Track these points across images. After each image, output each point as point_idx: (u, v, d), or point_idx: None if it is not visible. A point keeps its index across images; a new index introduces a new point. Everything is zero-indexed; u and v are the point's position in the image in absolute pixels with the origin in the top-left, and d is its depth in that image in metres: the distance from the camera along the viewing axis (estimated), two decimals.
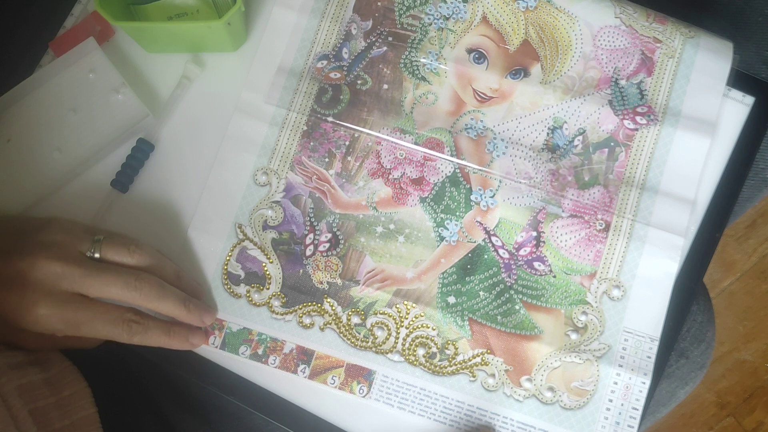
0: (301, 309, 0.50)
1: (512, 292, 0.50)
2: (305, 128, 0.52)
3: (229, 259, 0.50)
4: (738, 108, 0.54)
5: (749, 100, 0.54)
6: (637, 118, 0.52)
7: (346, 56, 0.53)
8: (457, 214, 0.51)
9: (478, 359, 0.50)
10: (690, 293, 0.52)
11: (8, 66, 0.53)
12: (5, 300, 0.43)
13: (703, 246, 0.53)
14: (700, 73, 0.52)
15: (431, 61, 0.53)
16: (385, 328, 0.50)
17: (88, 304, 0.44)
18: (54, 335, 0.44)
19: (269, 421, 0.49)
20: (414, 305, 0.50)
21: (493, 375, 0.49)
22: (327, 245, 0.51)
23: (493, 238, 0.51)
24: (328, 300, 0.50)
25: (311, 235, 0.51)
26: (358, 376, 0.49)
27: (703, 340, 0.62)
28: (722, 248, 1.18)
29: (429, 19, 0.53)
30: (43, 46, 0.53)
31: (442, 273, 0.51)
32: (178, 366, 0.50)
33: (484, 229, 0.51)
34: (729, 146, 0.54)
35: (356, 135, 0.52)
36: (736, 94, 0.54)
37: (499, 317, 0.50)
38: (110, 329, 0.44)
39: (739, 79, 0.54)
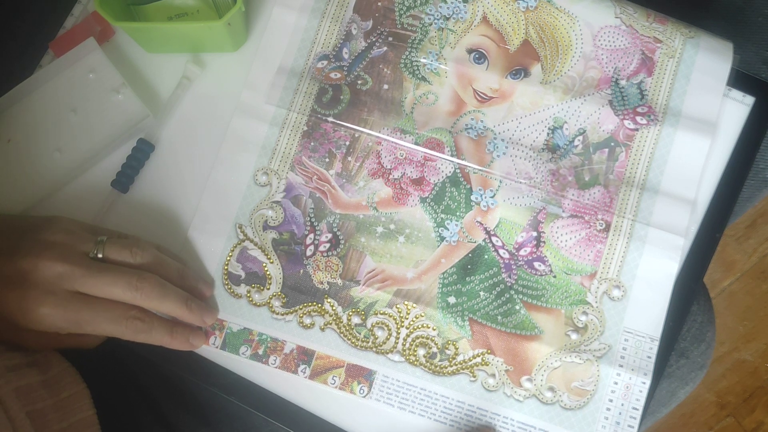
0: (301, 309, 0.50)
1: (512, 292, 0.50)
2: (305, 128, 0.52)
3: (229, 260, 0.50)
4: (738, 108, 0.54)
5: (749, 100, 0.54)
6: (638, 118, 0.52)
7: (346, 56, 0.53)
8: (458, 214, 0.51)
9: (479, 359, 0.50)
10: (690, 293, 0.52)
11: (8, 66, 0.53)
12: (7, 299, 0.43)
13: (703, 246, 0.53)
14: (700, 73, 0.52)
15: (431, 61, 0.53)
16: (386, 328, 0.50)
17: (91, 303, 0.44)
18: (55, 334, 0.44)
19: (269, 421, 0.49)
20: (414, 305, 0.50)
21: (493, 375, 0.49)
22: (327, 245, 0.51)
23: (494, 238, 0.51)
24: (329, 300, 0.50)
25: (311, 236, 0.51)
26: (359, 376, 0.49)
27: (703, 340, 0.62)
28: (722, 248, 1.18)
29: (429, 19, 0.53)
30: (43, 47, 0.53)
31: (443, 273, 0.51)
32: (178, 366, 0.50)
33: (485, 229, 0.51)
34: (729, 146, 0.54)
35: (356, 135, 0.52)
36: (736, 94, 0.54)
37: (499, 317, 0.50)
38: (113, 327, 0.44)
39: (739, 79, 0.54)
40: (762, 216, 1.18)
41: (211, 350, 0.49)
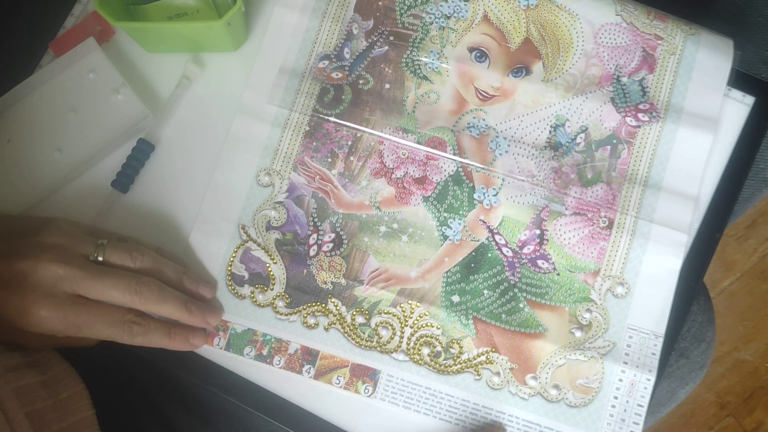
0: (305, 309, 0.50)
1: (516, 290, 0.50)
2: (307, 128, 0.52)
3: (232, 260, 0.50)
4: (738, 108, 0.54)
5: (749, 100, 0.54)
6: (640, 115, 0.52)
7: (347, 56, 0.53)
8: (461, 212, 0.51)
9: (483, 358, 0.49)
10: (690, 293, 0.52)
11: (8, 66, 0.53)
12: (5, 301, 0.42)
13: (704, 246, 0.53)
14: (701, 70, 0.53)
15: (433, 60, 0.53)
16: (390, 327, 0.49)
17: (89, 306, 0.43)
18: (54, 335, 0.44)
19: (270, 422, 0.49)
20: (418, 304, 0.50)
21: (498, 373, 0.49)
22: (330, 245, 0.50)
23: (497, 237, 0.51)
24: (333, 300, 0.50)
25: (315, 236, 0.51)
26: (363, 375, 0.49)
27: (703, 340, 0.62)
28: (722, 248, 1.18)
29: (430, 18, 0.53)
30: (43, 47, 0.53)
31: (446, 272, 0.50)
32: (178, 366, 0.49)
33: (488, 227, 0.51)
34: (729, 146, 0.54)
35: (359, 135, 0.52)
36: (737, 93, 0.54)
37: (503, 315, 0.50)
38: (111, 330, 0.44)
39: (739, 79, 0.54)
40: (762, 216, 1.19)
41: (216, 351, 0.49)
